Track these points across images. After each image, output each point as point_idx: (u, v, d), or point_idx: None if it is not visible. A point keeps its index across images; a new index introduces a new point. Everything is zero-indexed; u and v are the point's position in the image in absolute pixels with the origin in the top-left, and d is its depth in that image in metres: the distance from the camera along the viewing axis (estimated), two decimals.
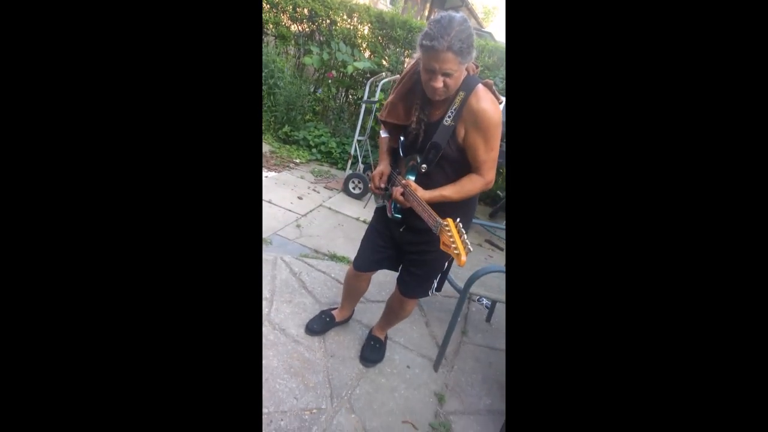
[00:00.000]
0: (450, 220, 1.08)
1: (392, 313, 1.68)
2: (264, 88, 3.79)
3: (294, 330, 1.74)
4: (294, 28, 4.28)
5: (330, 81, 4.14)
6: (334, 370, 1.62)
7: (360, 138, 3.45)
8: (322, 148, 3.99)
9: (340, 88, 4.32)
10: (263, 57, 3.76)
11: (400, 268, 1.56)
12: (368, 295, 2.10)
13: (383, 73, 3.64)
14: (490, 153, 1.22)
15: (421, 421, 1.53)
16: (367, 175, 3.35)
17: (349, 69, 3.83)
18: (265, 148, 3.74)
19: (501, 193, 3.71)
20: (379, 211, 1.53)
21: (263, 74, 3.74)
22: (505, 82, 3.25)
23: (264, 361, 1.54)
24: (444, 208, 1.20)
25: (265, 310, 1.80)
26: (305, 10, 4.12)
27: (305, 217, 2.79)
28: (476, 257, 2.96)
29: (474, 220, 1.54)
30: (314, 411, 1.43)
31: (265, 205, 2.74)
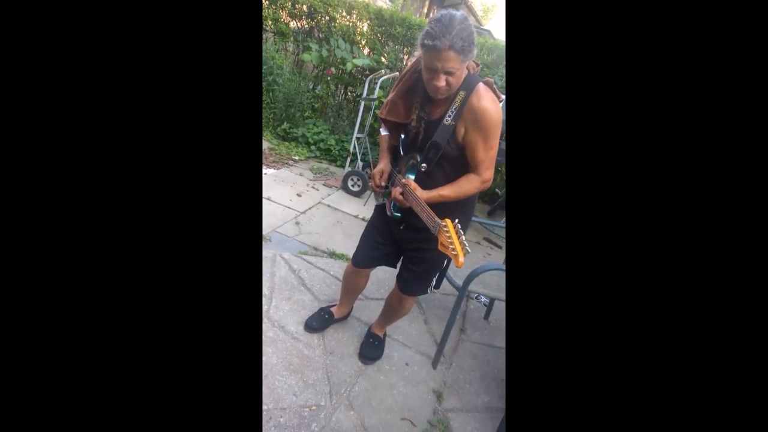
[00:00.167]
0: (448, 221, 1.08)
1: (391, 311, 1.68)
2: (263, 84, 3.77)
3: (293, 327, 1.74)
4: (293, 24, 4.27)
5: (329, 78, 4.13)
6: (333, 367, 1.63)
7: (359, 135, 3.45)
8: (321, 145, 3.98)
9: (339, 85, 4.31)
10: (262, 53, 3.74)
11: (399, 266, 1.57)
12: (367, 293, 2.10)
13: (382, 71, 3.64)
14: (488, 152, 1.22)
15: (420, 418, 1.54)
16: (366, 172, 3.35)
17: (348, 66, 3.82)
18: (264, 145, 3.73)
19: (499, 191, 3.71)
20: (379, 209, 1.53)
21: (262, 71, 3.73)
22: (503, 80, 3.25)
23: (263, 358, 1.55)
24: (444, 208, 1.20)
25: (264, 307, 1.80)
26: (304, 7, 4.11)
27: (304, 214, 2.79)
28: (474, 255, 2.96)
29: (472, 218, 1.54)
30: (313, 408, 1.44)
31: (264, 202, 2.74)
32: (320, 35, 4.17)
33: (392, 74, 3.57)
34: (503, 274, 1.87)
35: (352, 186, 3.32)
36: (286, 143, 3.96)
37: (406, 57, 4.00)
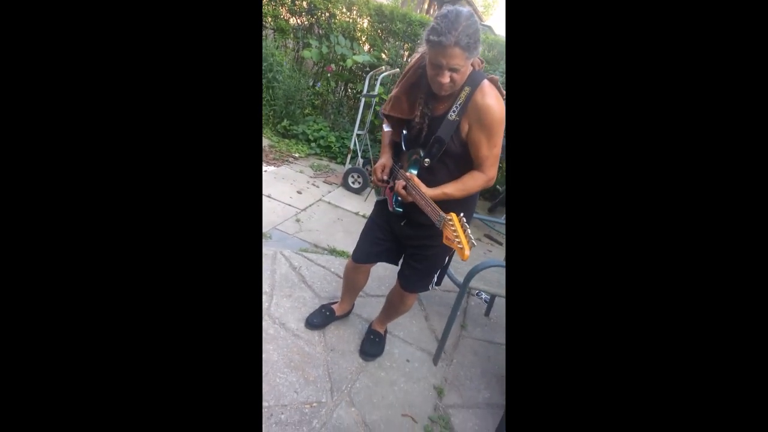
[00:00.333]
0: (453, 215, 1.08)
1: (392, 308, 1.68)
2: (263, 81, 3.77)
3: (294, 324, 1.75)
4: (293, 21, 4.25)
5: (329, 75, 4.12)
6: (334, 363, 1.63)
7: (359, 132, 3.44)
8: (321, 142, 3.98)
9: (340, 82, 4.30)
10: (262, 50, 3.73)
11: (400, 263, 1.57)
12: (368, 290, 2.10)
13: (383, 67, 3.63)
14: (492, 149, 1.22)
15: (421, 414, 1.54)
16: (367, 169, 3.35)
17: (349, 62, 3.81)
18: (264, 142, 3.73)
19: (500, 188, 3.71)
20: (380, 205, 1.53)
21: (262, 68, 3.72)
22: (504, 75, 3.24)
23: (264, 355, 1.55)
24: (445, 205, 1.20)
25: (265, 305, 1.80)
26: (304, 3, 4.09)
27: (305, 211, 2.79)
28: (475, 252, 2.95)
29: (473, 215, 1.54)
30: (314, 404, 1.44)
31: (264, 199, 2.74)
32: (320, 32, 4.16)
33: (393, 71, 3.56)
34: (504, 271, 1.87)
35: (353, 183, 3.32)
36: (286, 140, 3.96)
37: (406, 53, 3.99)
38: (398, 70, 3.65)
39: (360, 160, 3.44)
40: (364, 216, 2.92)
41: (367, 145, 3.47)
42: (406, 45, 3.97)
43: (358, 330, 1.84)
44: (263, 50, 3.77)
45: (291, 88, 3.96)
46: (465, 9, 1.12)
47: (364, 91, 3.44)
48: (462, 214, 1.07)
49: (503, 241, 3.18)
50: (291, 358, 1.59)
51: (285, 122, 4.01)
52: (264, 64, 3.75)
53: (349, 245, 1.69)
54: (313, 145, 3.97)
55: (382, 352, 1.74)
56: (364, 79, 3.53)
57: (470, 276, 1.64)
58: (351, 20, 4.07)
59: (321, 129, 4.03)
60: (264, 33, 4.19)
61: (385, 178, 1.41)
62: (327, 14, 4.07)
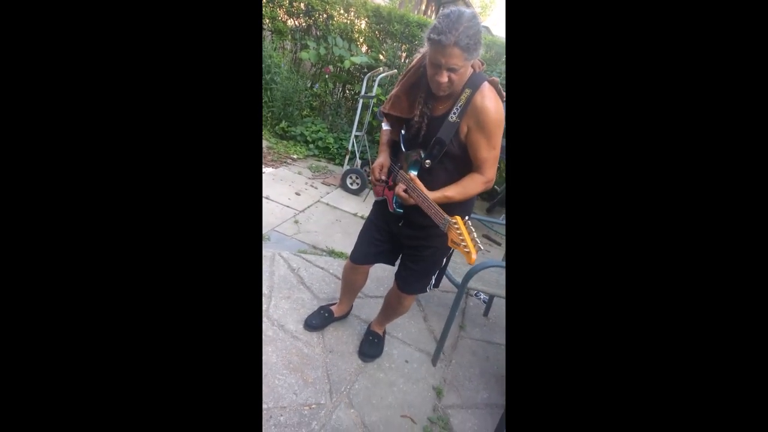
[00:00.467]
0: (458, 218, 1.08)
1: (390, 309, 1.68)
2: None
3: (293, 326, 1.75)
4: (290, 22, 4.26)
5: (327, 76, 4.12)
6: (333, 365, 1.63)
7: (357, 133, 3.45)
8: (320, 143, 3.98)
9: (337, 83, 4.30)
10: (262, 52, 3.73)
11: (398, 264, 1.57)
12: (367, 291, 2.10)
13: (380, 68, 3.63)
14: (491, 151, 1.22)
15: (420, 415, 1.54)
16: (365, 170, 3.35)
17: (346, 64, 3.81)
18: (263, 144, 3.73)
19: (498, 188, 3.71)
20: (378, 205, 1.53)
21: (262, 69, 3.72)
22: (501, 76, 3.25)
23: (263, 357, 1.55)
24: (444, 206, 1.20)
25: (263, 306, 1.80)
26: (302, 5, 4.09)
27: (303, 212, 2.79)
28: None
29: (471, 215, 1.54)
30: (313, 406, 1.44)
31: (262, 201, 2.74)
32: (318, 33, 4.16)
33: (390, 72, 3.56)
34: (503, 271, 1.88)
35: (351, 184, 3.32)
36: (285, 142, 3.96)
37: (404, 54, 3.99)
38: (396, 71, 3.66)
39: (358, 162, 3.44)
40: (362, 217, 2.92)
41: (366, 146, 3.47)
42: (404, 46, 3.97)
43: (357, 331, 1.84)
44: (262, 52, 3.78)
45: (289, 90, 3.96)
46: (468, 10, 1.12)
47: (362, 93, 3.44)
48: (467, 217, 1.07)
49: (501, 241, 3.18)
50: (290, 359, 1.59)
51: (283, 124, 4.01)
52: (262, 65, 3.75)
53: (348, 246, 1.70)
54: (311, 146, 3.97)
55: (381, 353, 1.74)
56: (362, 81, 3.54)
57: (468, 276, 1.64)
58: (349, 21, 4.08)
59: (319, 130, 4.03)
60: (262, 35, 4.19)
61: (383, 177, 1.41)
62: (325, 16, 4.07)
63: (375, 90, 3.37)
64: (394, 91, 1.35)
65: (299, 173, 3.43)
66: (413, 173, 1.29)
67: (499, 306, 2.29)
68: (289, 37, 4.25)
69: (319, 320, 1.77)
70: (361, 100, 3.41)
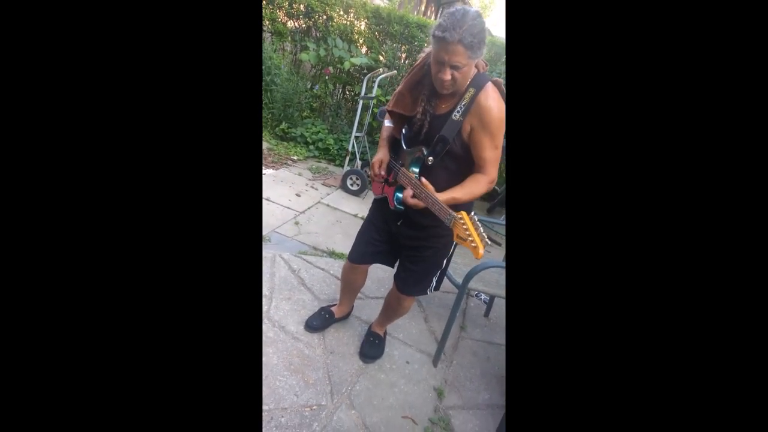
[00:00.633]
0: (464, 213, 1.07)
1: (390, 310, 1.68)
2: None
3: (293, 327, 1.75)
4: (290, 24, 4.26)
5: (327, 77, 4.13)
6: (334, 366, 1.63)
7: (357, 134, 3.45)
8: (320, 144, 3.98)
9: (337, 85, 4.31)
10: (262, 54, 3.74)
11: (396, 265, 1.57)
12: (367, 292, 2.11)
13: (380, 69, 3.63)
14: (494, 151, 1.23)
15: (421, 416, 1.54)
16: (365, 171, 3.35)
17: (346, 65, 3.82)
18: (263, 145, 3.73)
19: (498, 189, 3.71)
20: (377, 204, 1.53)
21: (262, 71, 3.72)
22: (501, 76, 3.25)
23: (264, 359, 1.55)
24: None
25: (264, 308, 1.80)
26: (301, 6, 4.10)
27: (303, 214, 2.79)
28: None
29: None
30: (314, 407, 1.44)
31: (263, 202, 2.74)
32: (318, 34, 4.17)
33: (390, 73, 3.56)
34: (503, 272, 1.88)
35: (351, 185, 3.32)
36: (285, 143, 3.96)
37: (404, 55, 3.99)
38: (396, 72, 3.66)
39: (358, 163, 3.44)
40: (362, 218, 2.91)
41: (366, 147, 3.47)
42: (404, 47, 3.97)
43: (358, 332, 1.84)
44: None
45: (289, 91, 3.97)
46: (473, 9, 1.13)
47: (362, 94, 3.45)
48: (473, 213, 1.07)
49: (502, 241, 3.18)
50: (291, 361, 1.59)
51: (283, 125, 4.02)
52: (262, 67, 3.76)
53: (348, 247, 1.70)
54: (311, 147, 3.97)
55: (382, 354, 1.74)
56: (362, 82, 3.54)
57: (469, 277, 1.64)
58: (348, 23, 4.08)
59: (319, 131, 4.03)
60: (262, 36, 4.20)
61: (383, 173, 1.40)
62: (324, 17, 4.07)
63: (375, 91, 3.37)
64: (398, 89, 1.36)
65: (299, 174, 3.43)
66: (414, 171, 1.29)
67: (500, 306, 2.28)
68: (289, 38, 4.26)
69: (320, 321, 1.77)
70: (361, 101, 3.41)
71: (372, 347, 1.73)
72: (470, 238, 1.03)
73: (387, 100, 3.45)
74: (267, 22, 4.17)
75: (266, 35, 4.22)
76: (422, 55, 1.32)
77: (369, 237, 1.53)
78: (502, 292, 1.77)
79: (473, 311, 2.27)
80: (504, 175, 3.49)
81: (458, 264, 1.94)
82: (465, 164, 1.28)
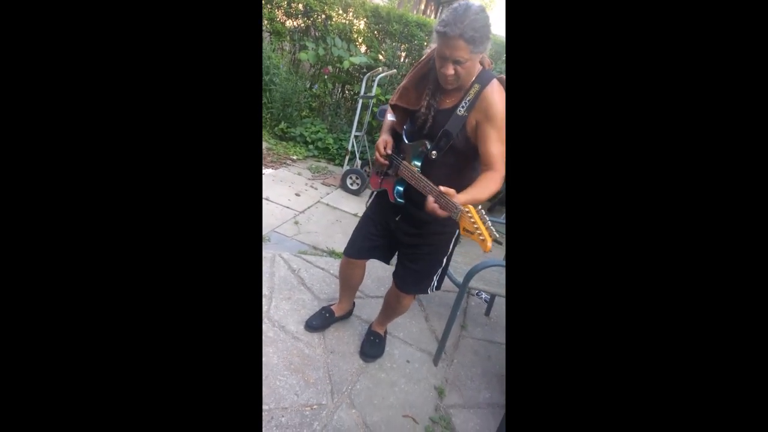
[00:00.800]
0: (471, 207, 1.06)
1: (390, 308, 1.68)
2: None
3: (293, 327, 1.74)
4: (289, 23, 4.25)
5: (326, 77, 4.12)
6: (334, 365, 1.63)
7: (357, 134, 3.44)
8: (319, 144, 3.98)
9: (337, 84, 4.30)
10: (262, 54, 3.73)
11: (395, 263, 1.56)
12: (367, 291, 2.10)
13: (380, 68, 3.63)
14: (501, 146, 1.21)
15: (422, 415, 1.54)
16: (365, 170, 3.35)
17: (345, 64, 3.81)
18: (262, 145, 3.73)
19: None
20: (376, 199, 1.52)
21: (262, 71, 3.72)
22: (501, 74, 3.24)
23: (264, 358, 1.55)
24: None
25: (264, 308, 1.80)
26: (300, 6, 4.09)
27: (303, 213, 2.79)
28: (475, 251, 2.96)
29: None
30: (315, 407, 1.44)
31: (263, 202, 2.74)
32: (317, 34, 4.16)
33: (390, 72, 3.56)
34: (504, 270, 1.87)
35: (351, 184, 3.32)
36: (284, 143, 3.96)
37: (403, 54, 3.99)
38: (395, 71, 3.66)
39: (358, 162, 3.44)
40: None
41: (365, 146, 3.47)
42: (403, 46, 3.97)
43: (358, 331, 1.83)
44: None
45: (288, 91, 3.96)
46: (476, 4, 1.13)
47: (361, 93, 3.44)
48: (480, 207, 1.06)
49: (502, 240, 3.17)
50: (291, 360, 1.58)
51: (282, 125, 4.01)
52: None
53: None
54: (310, 147, 3.97)
55: (383, 353, 1.74)
56: (361, 81, 3.54)
57: (470, 276, 1.64)
58: (347, 22, 4.08)
59: (318, 131, 4.03)
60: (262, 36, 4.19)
61: (389, 152, 1.38)
62: (323, 16, 4.07)
63: (374, 90, 3.37)
64: (402, 83, 1.36)
65: (299, 174, 3.43)
66: (416, 164, 1.29)
67: (501, 305, 2.28)
68: (288, 38, 4.25)
69: (320, 321, 1.76)
70: (360, 101, 3.40)
71: (372, 346, 1.73)
72: (478, 231, 1.02)
73: (386, 100, 3.46)
74: (266, 22, 4.16)
75: (265, 35, 4.21)
76: (427, 50, 1.32)
77: (366, 231, 1.53)
78: (503, 291, 1.77)
79: (474, 310, 2.27)
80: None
81: (459, 263, 1.94)
82: (465, 160, 1.27)
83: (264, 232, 2.40)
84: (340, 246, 2.47)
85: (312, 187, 3.25)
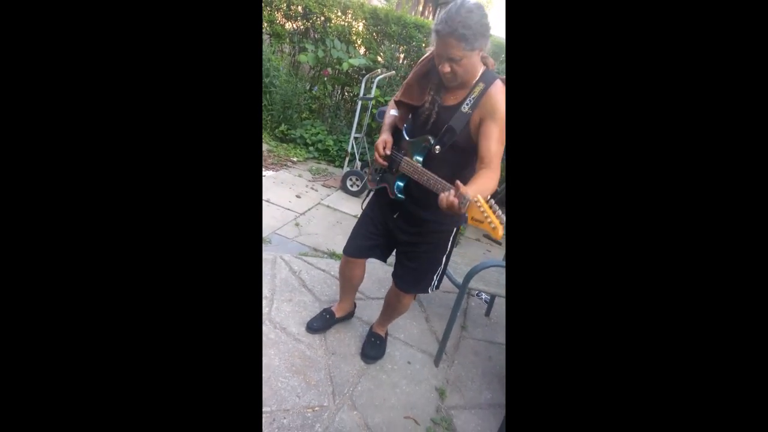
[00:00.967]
0: (479, 196, 1.06)
1: (390, 308, 1.68)
2: None
3: (295, 328, 1.75)
4: (288, 26, 4.26)
5: (326, 78, 4.13)
6: (336, 367, 1.63)
7: (357, 135, 3.45)
8: (319, 146, 3.98)
9: (336, 86, 4.31)
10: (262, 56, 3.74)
11: (394, 263, 1.56)
12: (368, 292, 2.11)
13: (379, 70, 3.63)
14: (501, 146, 1.22)
15: (423, 416, 1.54)
16: (365, 172, 3.35)
17: (345, 66, 3.82)
18: (263, 147, 3.73)
19: (498, 188, 3.71)
20: (375, 197, 1.53)
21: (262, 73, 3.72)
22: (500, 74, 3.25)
23: (265, 360, 1.55)
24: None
25: (265, 309, 1.81)
26: (299, 8, 4.10)
27: (304, 215, 2.79)
28: (474, 252, 2.96)
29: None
30: (316, 408, 1.44)
31: (263, 204, 2.74)
32: (316, 36, 4.17)
33: (389, 73, 3.56)
34: (503, 271, 1.88)
35: (351, 186, 3.32)
36: (285, 145, 3.96)
37: (401, 56, 3.99)
38: (394, 72, 3.66)
39: (358, 163, 3.44)
40: None
41: (365, 147, 3.47)
42: (402, 47, 3.97)
43: (359, 333, 1.84)
44: None
45: (288, 93, 3.97)
46: (471, 2, 1.13)
47: (361, 94, 3.45)
48: (491, 197, 1.06)
49: (502, 240, 3.18)
50: (292, 362, 1.59)
51: (283, 127, 4.02)
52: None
53: None
54: (311, 148, 3.98)
55: (383, 355, 1.74)
56: (361, 83, 3.54)
57: (469, 276, 1.64)
58: (346, 24, 4.09)
59: (318, 133, 4.03)
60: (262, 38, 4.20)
61: (388, 152, 1.39)
62: (322, 18, 4.08)
63: (374, 92, 3.37)
64: (407, 80, 1.37)
65: (299, 176, 3.43)
66: (418, 160, 1.30)
67: (501, 306, 2.28)
68: (288, 40, 4.26)
69: (321, 323, 1.77)
70: (359, 102, 3.41)
71: (373, 348, 1.73)
72: (488, 219, 1.01)
73: (385, 101, 3.46)
74: (265, 24, 4.17)
75: (265, 37, 4.22)
76: (431, 48, 1.34)
77: (365, 231, 1.54)
78: (503, 291, 1.77)
79: (474, 311, 2.27)
80: (504, 173, 3.49)
81: (458, 264, 1.95)
82: (466, 157, 1.28)
83: (265, 234, 2.40)
84: (341, 248, 2.46)
85: (312, 188, 3.26)
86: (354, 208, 3.11)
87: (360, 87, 3.52)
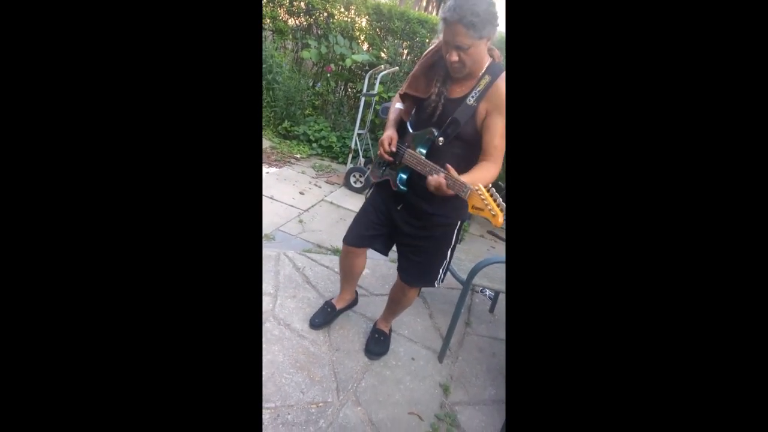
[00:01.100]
0: (480, 185, 1.07)
1: (394, 303, 1.68)
2: (263, 83, 3.77)
3: (299, 325, 1.75)
4: (291, 22, 4.26)
5: (329, 75, 4.12)
6: (340, 363, 1.64)
7: (360, 131, 3.44)
8: (323, 142, 3.98)
9: (339, 82, 4.30)
10: (262, 52, 3.74)
11: (398, 258, 1.56)
12: (371, 288, 2.11)
13: (382, 66, 3.62)
14: (503, 140, 1.22)
15: (427, 412, 1.54)
16: (368, 168, 3.35)
17: (348, 62, 3.81)
18: (266, 143, 3.74)
19: (501, 183, 3.70)
20: (378, 188, 1.52)
21: (262, 69, 3.72)
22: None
23: (269, 356, 1.56)
24: (449, 201, 1.19)
25: (269, 306, 1.81)
26: (302, 4, 4.09)
27: (307, 212, 2.80)
28: (478, 249, 2.96)
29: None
30: (321, 404, 1.45)
31: (266, 201, 2.75)
32: (319, 32, 4.16)
33: (392, 69, 3.55)
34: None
35: (355, 182, 3.32)
36: (288, 141, 3.96)
37: (405, 51, 3.98)
38: (397, 68, 3.65)
39: (361, 160, 3.44)
40: None
41: (368, 144, 3.46)
42: (405, 43, 3.96)
43: (363, 329, 1.84)
44: (263, 52, 3.78)
45: (291, 89, 3.96)
46: None
47: (364, 90, 3.44)
48: (491, 186, 1.06)
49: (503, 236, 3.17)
50: (296, 358, 1.59)
51: (286, 123, 4.02)
52: (264, 65, 3.76)
53: None
54: (314, 145, 3.97)
55: (387, 351, 1.75)
56: (364, 79, 3.53)
57: (473, 273, 1.64)
58: (349, 20, 4.07)
59: (322, 129, 4.03)
60: (263, 35, 4.19)
61: (393, 149, 1.39)
62: (325, 14, 4.07)
63: (377, 88, 3.36)
64: (413, 72, 1.36)
65: (303, 172, 3.43)
66: (422, 152, 1.30)
67: (505, 302, 2.28)
68: (290, 36, 4.25)
69: (323, 317, 1.77)
70: (363, 98, 3.40)
71: (377, 344, 1.73)
72: (489, 207, 1.02)
73: (389, 97, 3.45)
74: (268, 21, 4.17)
75: (267, 33, 4.21)
76: (436, 40, 1.33)
77: (367, 221, 1.52)
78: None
79: (478, 307, 2.27)
80: (505, 170, 3.47)
81: (462, 260, 1.94)
82: (471, 150, 1.28)
83: (268, 230, 2.41)
84: None
85: (316, 185, 3.26)
86: (357, 204, 3.10)
87: (363, 83, 3.51)
